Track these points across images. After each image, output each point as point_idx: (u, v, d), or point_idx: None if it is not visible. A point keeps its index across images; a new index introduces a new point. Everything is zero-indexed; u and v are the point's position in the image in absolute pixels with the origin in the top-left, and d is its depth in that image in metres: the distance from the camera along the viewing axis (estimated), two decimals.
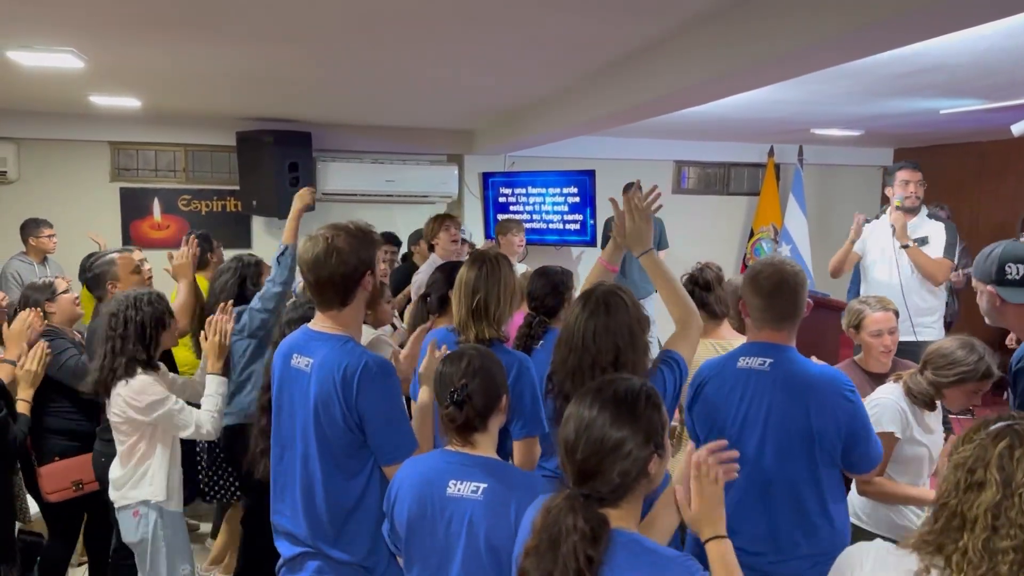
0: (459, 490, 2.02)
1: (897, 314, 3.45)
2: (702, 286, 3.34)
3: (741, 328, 3.12)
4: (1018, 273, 2.44)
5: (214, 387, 3.23)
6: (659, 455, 1.69)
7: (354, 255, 2.31)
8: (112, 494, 3.17)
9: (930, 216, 5.07)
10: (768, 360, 2.48)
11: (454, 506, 2.02)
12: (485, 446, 2.12)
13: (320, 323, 2.41)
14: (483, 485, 2.01)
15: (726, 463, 1.79)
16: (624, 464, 1.64)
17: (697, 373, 2.64)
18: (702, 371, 2.63)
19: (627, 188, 7.40)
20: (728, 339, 3.27)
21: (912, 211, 4.95)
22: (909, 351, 3.90)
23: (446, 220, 5.58)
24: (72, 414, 3.57)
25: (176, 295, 4.04)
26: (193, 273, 4.05)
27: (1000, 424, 1.47)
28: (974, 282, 2.66)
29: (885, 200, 5.25)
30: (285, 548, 2.45)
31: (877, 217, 5.27)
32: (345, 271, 2.31)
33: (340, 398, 2.25)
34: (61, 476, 3.53)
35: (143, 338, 3.09)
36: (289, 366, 2.41)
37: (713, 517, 1.76)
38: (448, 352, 2.26)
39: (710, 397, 2.57)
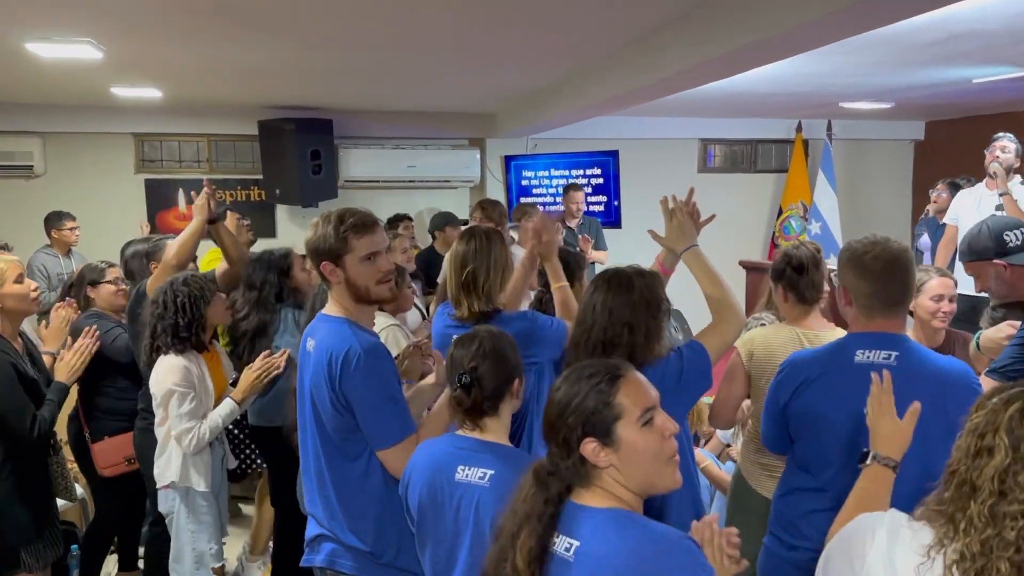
0: (467, 476, 2.00)
1: (956, 283, 3.21)
2: (795, 267, 2.91)
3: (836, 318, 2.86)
4: (1018, 239, 2.59)
5: (225, 410, 3.24)
6: (603, 443, 1.56)
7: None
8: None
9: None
10: (893, 353, 2.19)
11: (462, 492, 2.00)
12: (495, 431, 2.09)
13: (327, 306, 2.45)
14: (490, 472, 1.98)
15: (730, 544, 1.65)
16: (564, 431, 1.58)
17: (794, 368, 2.36)
18: (802, 366, 2.35)
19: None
20: (817, 330, 2.88)
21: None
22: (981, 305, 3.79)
23: (498, 207, 5.56)
24: (125, 393, 3.63)
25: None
26: (203, 216, 3.74)
27: (1014, 390, 1.42)
28: (968, 268, 2.73)
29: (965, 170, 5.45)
30: (311, 527, 2.50)
31: (968, 182, 5.62)
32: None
33: (327, 381, 2.26)
34: (113, 452, 3.62)
35: (183, 316, 3.15)
36: (305, 350, 2.45)
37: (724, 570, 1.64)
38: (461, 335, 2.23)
39: (821, 394, 2.28)
